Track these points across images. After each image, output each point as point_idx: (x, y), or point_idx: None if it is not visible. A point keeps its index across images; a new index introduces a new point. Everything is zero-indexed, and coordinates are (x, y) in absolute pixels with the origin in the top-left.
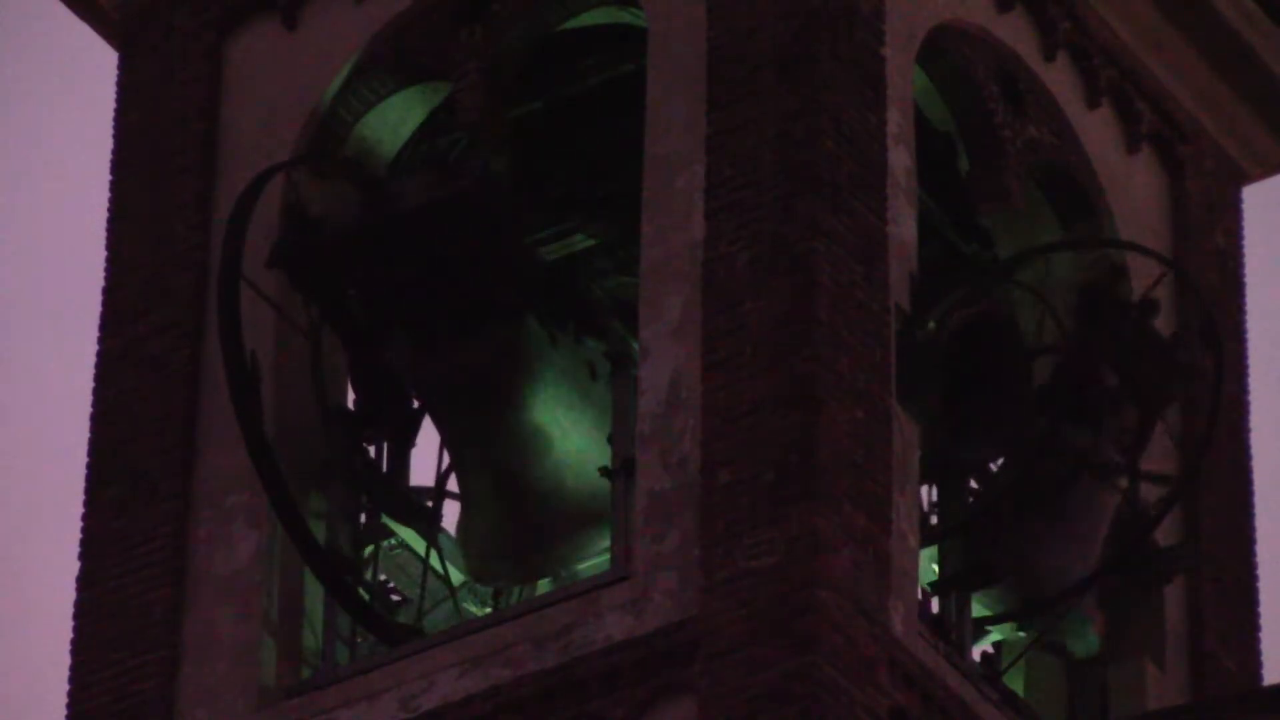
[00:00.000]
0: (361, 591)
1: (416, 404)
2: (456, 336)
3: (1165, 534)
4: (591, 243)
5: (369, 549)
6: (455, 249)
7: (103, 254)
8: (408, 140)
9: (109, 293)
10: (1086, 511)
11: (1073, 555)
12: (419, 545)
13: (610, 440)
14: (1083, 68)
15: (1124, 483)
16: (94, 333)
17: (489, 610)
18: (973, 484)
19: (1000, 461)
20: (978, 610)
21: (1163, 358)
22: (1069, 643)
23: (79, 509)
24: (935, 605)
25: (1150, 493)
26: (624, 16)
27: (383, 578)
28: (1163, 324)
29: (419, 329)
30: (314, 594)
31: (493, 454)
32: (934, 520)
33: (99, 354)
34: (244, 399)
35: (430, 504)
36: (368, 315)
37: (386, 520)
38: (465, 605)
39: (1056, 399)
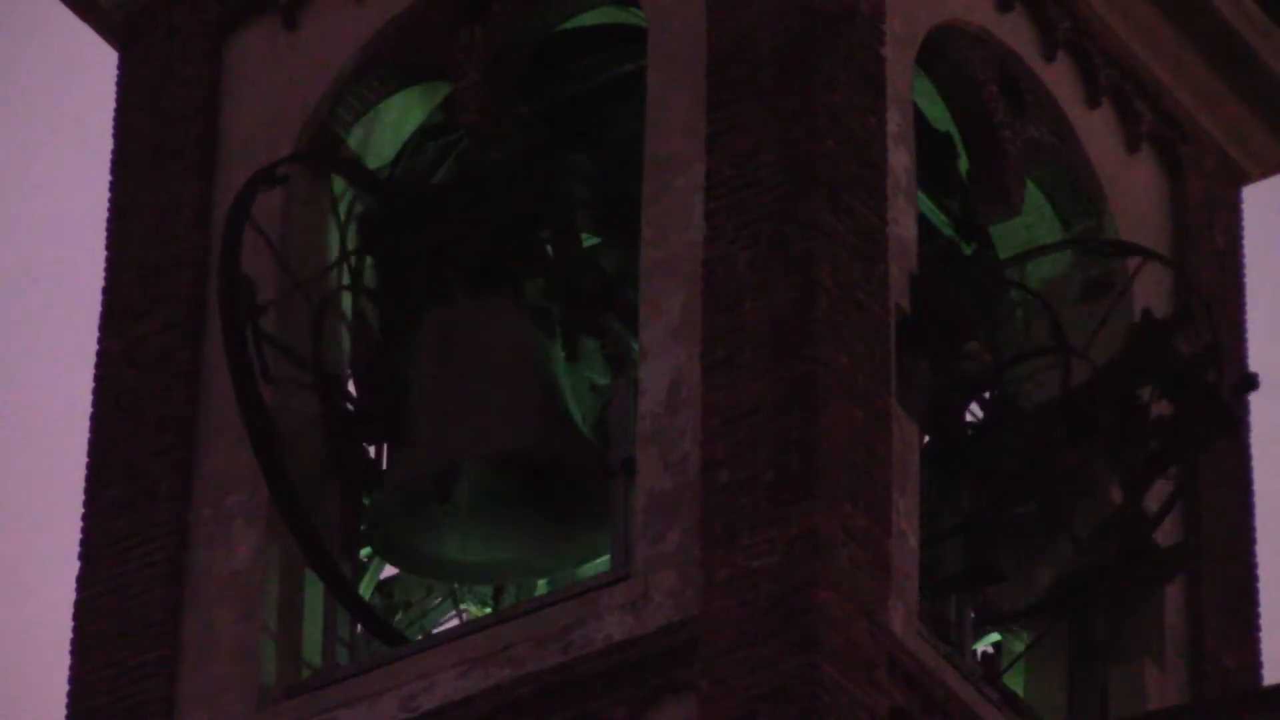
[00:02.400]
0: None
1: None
2: (471, 298)
3: (1165, 534)
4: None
5: (368, 549)
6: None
7: (103, 254)
8: (408, 140)
9: (109, 293)
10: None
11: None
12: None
13: (610, 440)
14: (1083, 68)
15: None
16: (94, 333)
17: (489, 610)
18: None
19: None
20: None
21: (1209, 407)
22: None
23: (79, 509)
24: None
25: (1150, 494)
26: (624, 16)
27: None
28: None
29: (435, 284)
30: (314, 594)
31: (487, 452)
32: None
33: (99, 354)
34: (236, 323)
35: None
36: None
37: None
38: (465, 605)
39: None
